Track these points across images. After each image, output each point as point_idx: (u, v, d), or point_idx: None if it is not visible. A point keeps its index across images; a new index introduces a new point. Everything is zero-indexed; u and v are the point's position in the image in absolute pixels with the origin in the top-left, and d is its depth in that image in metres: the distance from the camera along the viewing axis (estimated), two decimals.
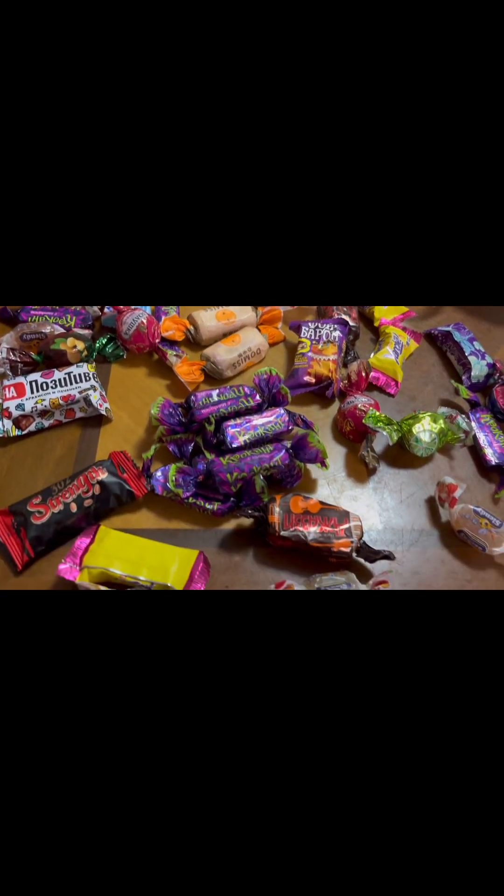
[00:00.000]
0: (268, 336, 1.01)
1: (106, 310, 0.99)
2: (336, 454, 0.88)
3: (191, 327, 0.99)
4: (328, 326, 0.99)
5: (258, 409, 0.85)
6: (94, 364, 0.90)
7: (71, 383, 0.84)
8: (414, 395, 0.99)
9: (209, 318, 0.98)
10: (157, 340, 0.93)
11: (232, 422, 0.82)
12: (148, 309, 1.01)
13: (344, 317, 1.02)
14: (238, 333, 0.98)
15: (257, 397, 0.85)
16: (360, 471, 0.86)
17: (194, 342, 1.00)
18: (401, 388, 0.99)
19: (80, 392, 0.83)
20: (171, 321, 0.98)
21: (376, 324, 1.07)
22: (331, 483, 0.84)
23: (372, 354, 1.03)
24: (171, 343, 0.97)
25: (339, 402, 0.95)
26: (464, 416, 0.90)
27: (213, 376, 0.95)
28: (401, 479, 0.86)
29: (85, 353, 0.89)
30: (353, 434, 0.88)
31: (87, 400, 0.83)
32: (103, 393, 0.88)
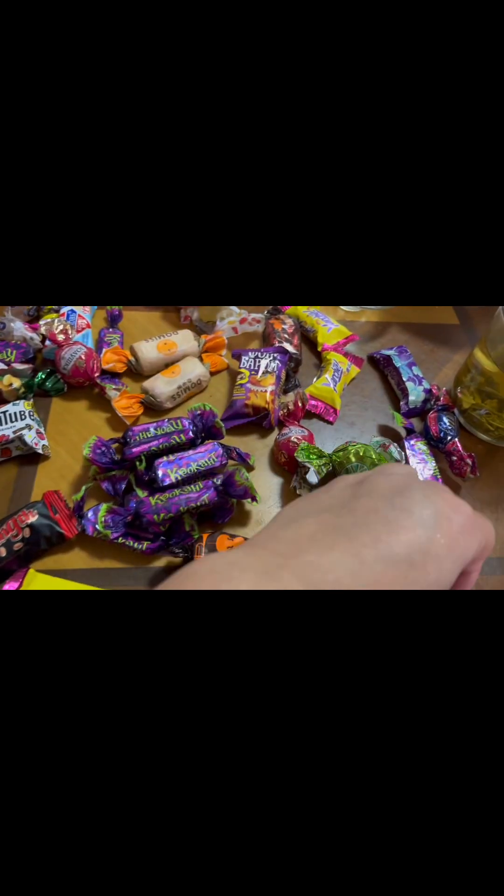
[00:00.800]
0: (210, 364, 1.03)
1: (46, 343, 1.00)
2: (273, 485, 0.90)
3: (132, 358, 1.00)
4: (268, 356, 1.00)
5: (191, 444, 0.87)
6: (31, 401, 0.91)
7: (5, 423, 0.85)
8: (353, 421, 1.01)
9: (150, 349, 0.99)
10: (95, 375, 0.94)
11: (165, 459, 0.83)
12: (90, 341, 1.02)
13: (285, 345, 1.04)
14: (178, 364, 0.99)
15: (190, 433, 0.87)
16: (295, 498, 0.88)
17: (136, 372, 1.01)
18: (340, 415, 1.01)
19: (14, 432, 0.84)
20: (113, 353, 0.99)
21: (319, 349, 1.08)
22: (264, 514, 0.86)
23: (313, 380, 1.05)
24: (113, 375, 0.98)
25: (278, 431, 0.97)
26: (396, 445, 0.92)
27: (153, 408, 0.96)
28: None
29: (22, 390, 0.90)
30: (289, 465, 0.90)
31: (21, 440, 0.84)
32: (41, 430, 0.89)
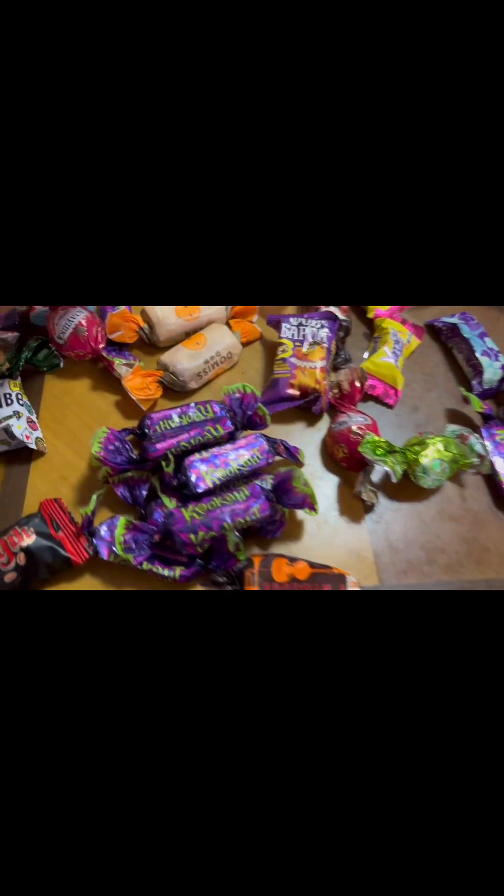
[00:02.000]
0: (240, 334, 0.83)
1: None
2: (326, 486, 0.72)
3: (144, 325, 0.79)
4: (314, 323, 0.81)
5: (230, 438, 0.68)
6: (19, 381, 0.71)
7: None
8: (416, 405, 0.83)
9: (168, 312, 0.79)
10: (100, 346, 0.74)
11: (197, 456, 0.64)
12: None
13: (332, 309, 0.84)
14: (203, 333, 0.79)
15: (228, 423, 0.68)
16: (356, 506, 0.71)
17: (150, 343, 0.81)
18: (400, 398, 0.82)
19: None
20: (120, 317, 0.78)
21: (370, 315, 0.89)
22: (321, 526, 0.69)
23: (366, 355, 0.86)
24: (121, 347, 0.78)
25: (329, 417, 0.78)
26: (476, 435, 0.74)
27: (173, 389, 0.77)
28: (404, 515, 0.71)
29: (6, 366, 0.70)
30: (348, 461, 0.72)
31: (8, 431, 0.64)
32: (32, 417, 0.70)
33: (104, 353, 0.74)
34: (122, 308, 0.79)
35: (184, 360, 0.75)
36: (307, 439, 0.76)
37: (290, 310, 0.90)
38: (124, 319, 0.78)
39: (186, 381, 0.75)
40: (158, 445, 0.63)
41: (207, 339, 0.78)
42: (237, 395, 0.69)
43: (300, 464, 0.71)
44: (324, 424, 0.78)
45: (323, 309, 0.84)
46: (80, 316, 0.74)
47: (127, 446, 0.64)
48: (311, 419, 0.78)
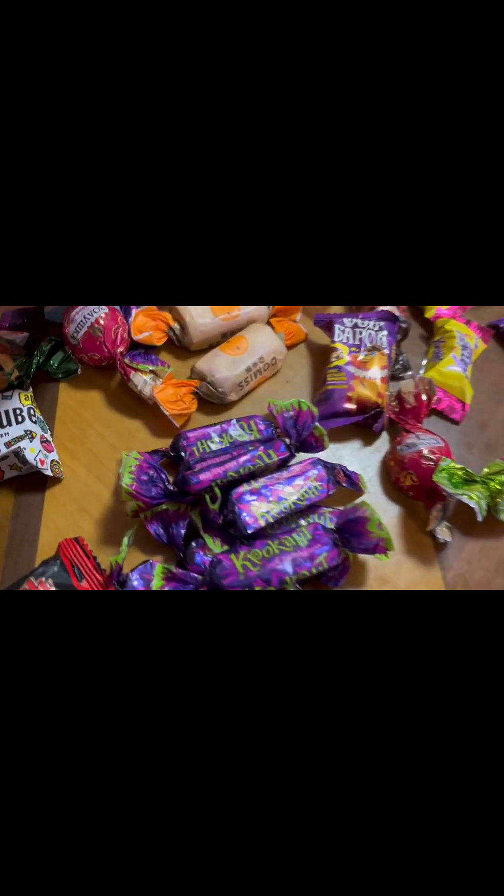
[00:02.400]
0: (284, 335, 0.72)
1: None
2: (387, 517, 0.62)
3: (175, 325, 0.68)
4: (371, 324, 0.70)
5: (283, 464, 0.58)
6: (30, 392, 0.59)
7: None
8: (485, 420, 0.72)
9: (202, 310, 0.68)
10: (117, 349, 0.63)
11: (246, 487, 0.54)
12: None
13: (390, 308, 0.73)
14: (244, 335, 0.68)
15: (282, 447, 0.57)
16: (425, 542, 0.61)
17: (180, 346, 0.70)
18: (467, 412, 0.72)
19: (7, 443, 0.53)
20: (147, 315, 0.67)
21: (428, 315, 0.78)
22: (389, 570, 0.58)
23: (425, 362, 0.75)
24: (146, 350, 0.67)
25: (388, 435, 0.68)
26: None
27: (209, 401, 0.66)
28: (481, 555, 0.60)
29: (15, 373, 0.58)
30: (416, 490, 0.61)
31: (19, 455, 0.53)
32: (47, 436, 0.59)
33: (127, 360, 0.63)
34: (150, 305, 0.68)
35: (223, 367, 0.64)
36: (363, 461, 0.66)
37: (337, 308, 0.79)
38: (152, 317, 0.67)
39: (226, 392, 0.64)
40: (202, 476, 0.52)
41: (249, 343, 0.67)
42: (291, 412, 0.58)
43: (360, 491, 0.60)
44: (382, 443, 0.67)
45: (379, 308, 0.73)
46: (97, 313, 0.62)
47: (163, 475, 0.53)
48: (368, 436, 0.67)
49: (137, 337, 0.65)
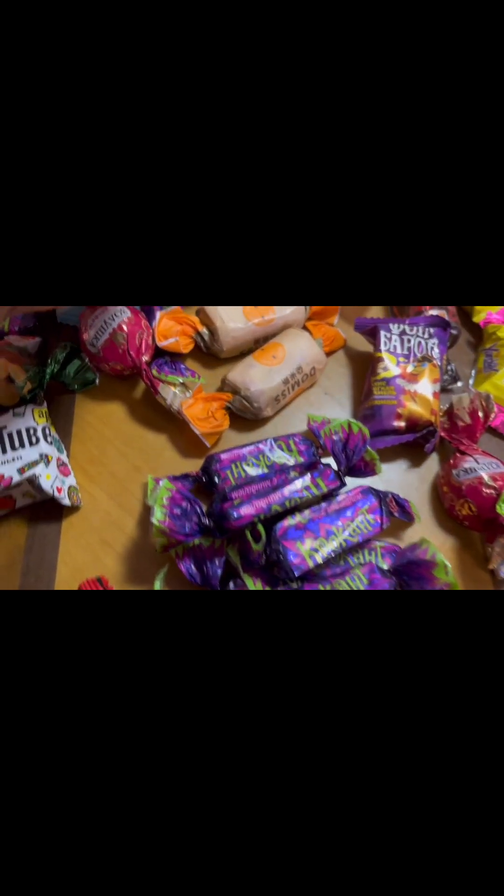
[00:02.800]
0: (322, 341, 0.65)
1: None
2: (440, 548, 0.56)
3: (203, 329, 0.61)
4: (419, 331, 0.63)
5: (331, 494, 0.51)
6: (45, 407, 0.53)
7: (4, 451, 0.48)
8: None
9: (234, 314, 0.61)
10: (143, 358, 0.56)
11: (290, 521, 0.48)
12: None
13: (439, 312, 0.66)
14: (280, 343, 0.61)
15: (331, 475, 0.50)
16: (482, 579, 0.55)
17: (208, 353, 0.63)
18: None
19: (20, 469, 0.47)
20: (172, 318, 0.60)
21: (477, 319, 0.71)
22: None
23: (473, 371, 0.68)
24: (173, 358, 0.60)
25: (438, 454, 0.61)
26: None
27: (242, 416, 0.59)
28: None
29: (27, 386, 0.51)
30: (474, 521, 0.55)
31: (34, 483, 0.47)
32: (64, 458, 0.52)
33: (155, 371, 0.56)
34: (174, 307, 0.61)
35: (258, 379, 0.57)
36: (410, 482, 0.59)
37: (375, 310, 0.72)
38: (178, 321, 0.60)
39: (262, 407, 0.57)
40: (243, 510, 0.46)
41: (286, 352, 0.60)
42: (340, 435, 0.52)
43: (410, 517, 0.54)
44: (432, 463, 0.61)
45: (429, 311, 0.66)
46: (120, 317, 0.55)
47: (197, 507, 0.47)
48: (414, 455, 0.61)
49: (162, 343, 0.58)
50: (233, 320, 0.60)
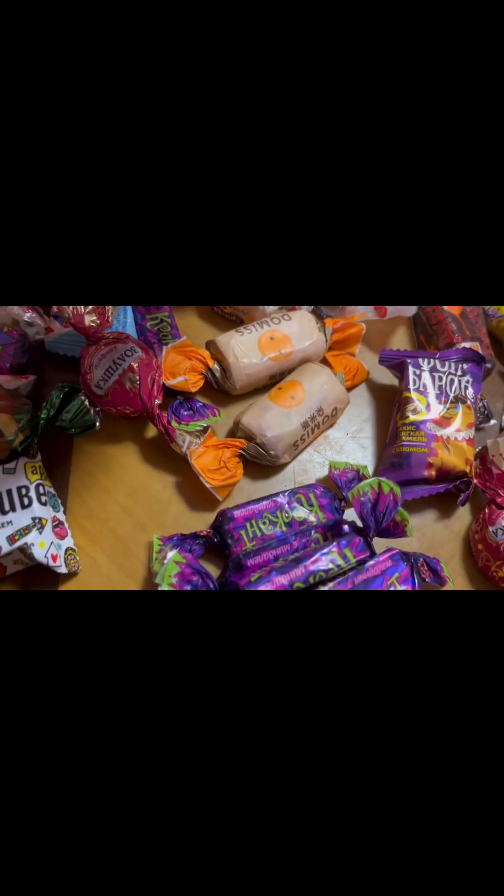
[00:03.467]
0: (344, 376, 0.59)
1: (54, 322, 0.55)
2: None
3: (214, 365, 0.55)
4: (451, 367, 0.57)
5: (360, 563, 0.46)
6: (38, 460, 0.47)
7: None
8: None
9: (248, 347, 0.55)
10: (156, 401, 0.50)
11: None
12: (131, 327, 0.56)
13: (472, 345, 0.61)
14: (298, 381, 0.55)
15: (359, 543, 0.45)
16: None
17: (219, 389, 0.57)
18: None
19: (10, 537, 0.41)
20: (180, 353, 0.54)
21: None
22: None
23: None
24: (186, 397, 0.54)
25: (470, 503, 0.56)
26: None
27: (257, 462, 0.54)
28: None
29: (19, 436, 0.46)
30: None
31: (26, 552, 0.41)
32: (60, 517, 0.47)
33: (167, 418, 0.50)
34: (181, 339, 0.55)
35: (275, 424, 0.52)
36: (439, 536, 0.54)
37: (399, 338, 0.66)
38: (186, 355, 0.54)
39: (279, 454, 0.52)
40: (261, 587, 0.41)
41: (305, 391, 0.54)
42: (369, 496, 0.46)
43: (443, 584, 0.49)
44: (464, 513, 0.56)
45: (461, 344, 0.60)
46: (131, 357, 0.50)
47: (210, 582, 0.42)
48: (444, 505, 0.56)
49: (170, 382, 0.52)
50: (247, 355, 0.55)
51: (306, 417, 0.53)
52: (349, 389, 0.60)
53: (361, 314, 0.62)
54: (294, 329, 0.57)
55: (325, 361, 0.60)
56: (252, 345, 0.55)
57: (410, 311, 0.63)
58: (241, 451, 0.52)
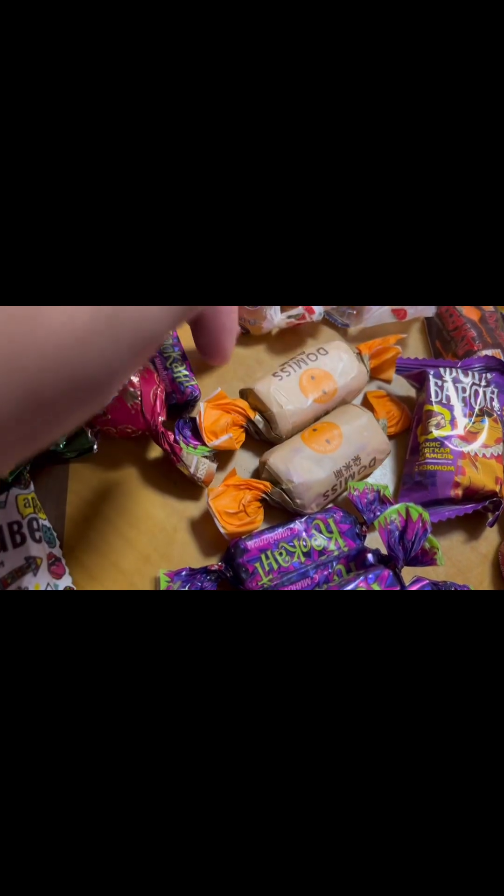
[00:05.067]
0: (387, 422, 0.53)
1: None
2: None
3: (255, 416, 0.50)
4: (475, 377, 0.53)
5: None
6: (30, 491, 0.43)
7: None
8: None
9: (288, 392, 0.49)
10: (159, 418, 0.46)
11: None
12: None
13: (493, 353, 0.57)
14: (335, 423, 0.49)
15: (389, 578, 0.41)
16: None
17: (263, 440, 0.52)
18: None
19: (2, 580, 0.37)
20: (218, 407, 0.48)
21: None
22: None
23: None
24: (191, 417, 0.50)
25: (499, 525, 0.52)
26: None
27: (280, 507, 0.49)
28: None
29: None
30: None
31: None
32: (56, 553, 0.42)
33: (171, 438, 0.46)
34: (216, 392, 0.49)
35: (305, 470, 0.47)
36: (467, 560, 0.51)
37: (413, 345, 0.62)
38: (225, 410, 0.48)
39: (305, 504, 0.47)
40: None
41: (343, 436, 0.49)
42: (396, 523, 0.42)
43: None
44: (492, 534, 0.52)
45: (482, 352, 0.57)
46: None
47: None
48: (470, 525, 0.52)
49: (214, 443, 0.47)
50: (290, 402, 0.49)
51: (340, 466, 0.48)
52: (391, 437, 0.54)
53: (378, 322, 0.58)
54: (333, 363, 0.52)
55: (365, 401, 0.55)
56: (293, 388, 0.50)
57: (429, 311, 0.59)
58: (263, 496, 0.47)
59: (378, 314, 0.58)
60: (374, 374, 0.56)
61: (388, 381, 0.57)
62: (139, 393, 0.45)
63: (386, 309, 0.58)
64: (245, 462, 0.51)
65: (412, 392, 0.57)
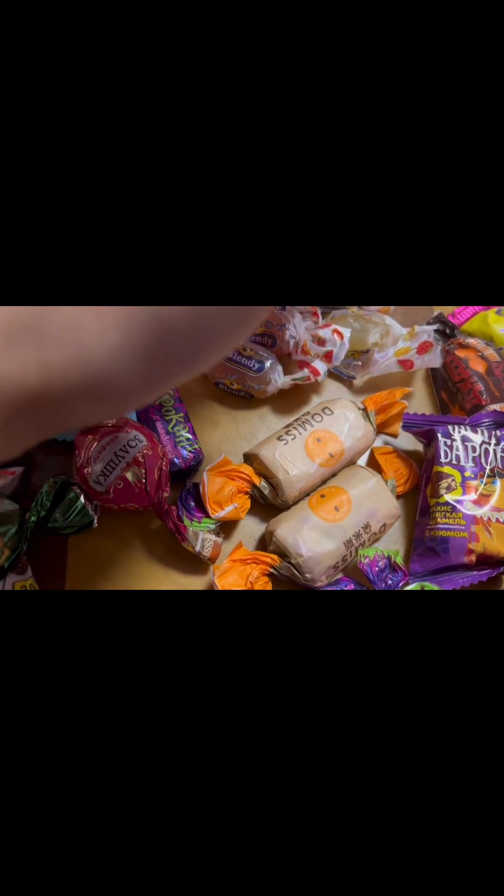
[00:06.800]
0: (395, 483, 0.51)
1: None
2: None
3: (261, 482, 0.48)
4: (485, 433, 0.52)
5: None
6: (28, 576, 0.40)
7: None
8: None
9: (294, 457, 0.48)
10: (165, 494, 0.44)
11: None
12: (132, 413, 0.50)
13: (501, 407, 0.56)
14: (344, 489, 0.48)
15: None
16: None
17: (269, 504, 0.50)
18: None
19: None
20: (222, 475, 0.47)
21: None
22: None
23: None
24: (194, 485, 0.48)
25: None
26: None
27: (289, 580, 0.47)
28: None
29: (5, 552, 0.39)
30: None
31: None
32: None
33: (182, 513, 0.44)
34: (219, 459, 0.47)
35: (313, 541, 0.45)
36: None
37: (420, 395, 0.61)
38: (229, 477, 0.47)
39: (314, 578, 0.45)
40: None
41: (352, 502, 0.47)
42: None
43: None
44: None
45: (490, 407, 0.56)
46: (136, 448, 0.43)
47: None
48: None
49: (218, 515, 0.45)
50: (296, 467, 0.47)
51: (350, 535, 0.46)
52: (399, 497, 0.52)
53: (384, 372, 0.56)
54: (340, 424, 0.50)
55: (371, 459, 0.54)
56: (299, 452, 0.48)
57: (436, 362, 0.58)
58: (271, 570, 0.45)
59: (384, 364, 0.57)
60: (380, 429, 0.55)
61: (394, 436, 0.56)
62: (144, 471, 0.43)
63: (392, 360, 0.57)
64: (251, 528, 0.50)
65: (419, 446, 0.56)
